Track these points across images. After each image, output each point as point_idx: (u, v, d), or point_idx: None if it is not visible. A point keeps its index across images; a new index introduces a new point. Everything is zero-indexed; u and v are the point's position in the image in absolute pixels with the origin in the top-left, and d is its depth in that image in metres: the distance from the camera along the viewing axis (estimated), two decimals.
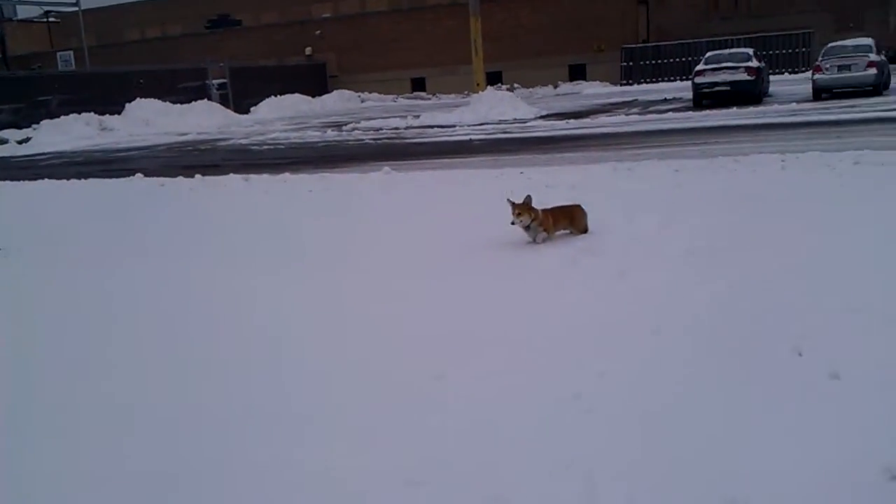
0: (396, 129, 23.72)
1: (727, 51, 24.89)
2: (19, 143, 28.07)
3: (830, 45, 22.63)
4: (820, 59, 21.83)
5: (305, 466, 3.25)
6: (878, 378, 3.64)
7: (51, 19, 62.63)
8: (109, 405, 4.01)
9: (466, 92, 37.43)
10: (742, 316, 4.62)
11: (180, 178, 13.04)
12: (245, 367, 4.41)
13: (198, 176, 13.05)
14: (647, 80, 38.71)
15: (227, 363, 4.48)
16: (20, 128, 30.35)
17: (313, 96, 42.12)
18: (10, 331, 5.38)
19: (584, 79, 41.80)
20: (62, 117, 30.69)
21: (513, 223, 6.49)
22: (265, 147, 21.18)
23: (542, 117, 23.31)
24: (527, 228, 6.58)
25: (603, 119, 20.63)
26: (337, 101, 42.68)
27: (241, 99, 38.97)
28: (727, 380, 3.80)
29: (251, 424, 3.68)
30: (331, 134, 23.42)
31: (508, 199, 6.59)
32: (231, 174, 12.89)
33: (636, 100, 27.84)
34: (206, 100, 36.87)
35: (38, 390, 4.28)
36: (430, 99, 42.57)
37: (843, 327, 4.29)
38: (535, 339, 4.50)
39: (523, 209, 6.50)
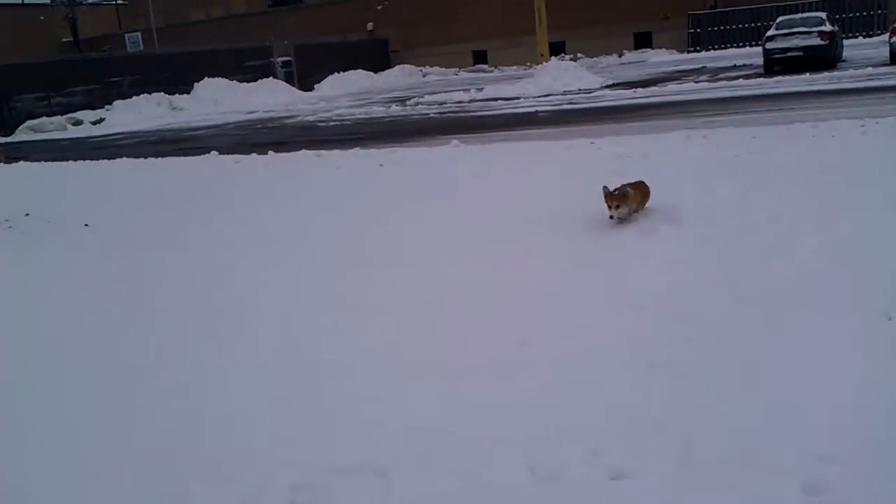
0: (460, 102, 23.70)
1: (799, 15, 24.21)
2: (93, 123, 28.92)
3: None
4: None
5: (396, 425, 3.39)
6: None
7: (119, 1, 64.00)
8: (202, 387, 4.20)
9: (529, 63, 37.12)
10: (827, 282, 4.59)
11: (254, 156, 13.29)
12: (333, 329, 4.57)
13: (270, 153, 13.28)
14: (715, 46, 37.82)
15: (319, 321, 4.64)
16: (94, 109, 31.21)
17: (375, 72, 42.29)
18: (97, 304, 5.60)
19: (650, 47, 41.02)
20: (133, 98, 31.51)
21: (611, 217, 6.13)
22: (332, 123, 21.41)
23: (608, 87, 23.03)
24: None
25: (672, 87, 20.29)
26: (399, 77, 42.78)
27: (305, 76, 39.35)
28: (817, 343, 3.81)
29: (342, 383, 3.83)
30: (395, 109, 23.53)
31: (604, 188, 6.23)
32: (303, 150, 13.08)
33: (704, 67, 27.26)
34: (271, 78, 37.37)
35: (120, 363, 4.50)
36: (492, 71, 42.32)
37: None
38: (621, 305, 4.55)
39: (621, 200, 6.14)
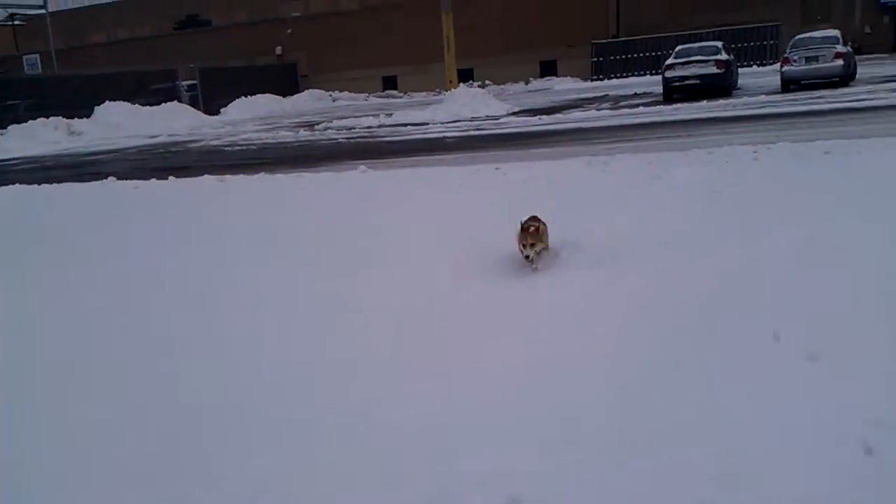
0: (369, 127, 23.71)
1: (696, 44, 25.12)
2: None
3: (798, 37, 22.93)
4: (788, 51, 22.14)
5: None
6: (855, 358, 3.74)
7: (16, 22, 61.78)
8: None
9: (438, 90, 37.46)
10: (721, 303, 4.70)
11: (154, 181, 12.93)
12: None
13: (171, 178, 12.95)
14: (618, 74, 39.00)
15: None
16: None
17: (284, 96, 42.02)
18: None
19: (555, 74, 42.04)
20: (30, 122, 30.34)
21: (527, 257, 5.66)
22: (237, 148, 21.09)
23: (514, 114, 23.39)
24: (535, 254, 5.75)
25: (575, 114, 20.76)
26: (308, 101, 42.57)
27: (211, 100, 38.73)
28: (710, 365, 3.88)
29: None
30: (303, 134, 23.36)
31: (521, 223, 5.76)
32: (205, 175, 12.81)
33: (607, 95, 28.03)
34: (175, 101, 36.62)
35: None
36: (401, 97, 42.57)
37: (818, 312, 4.38)
38: (520, 331, 4.56)
39: (536, 238, 5.66)
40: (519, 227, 5.72)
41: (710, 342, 4.14)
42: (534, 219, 5.82)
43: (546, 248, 5.87)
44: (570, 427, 3.35)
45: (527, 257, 5.65)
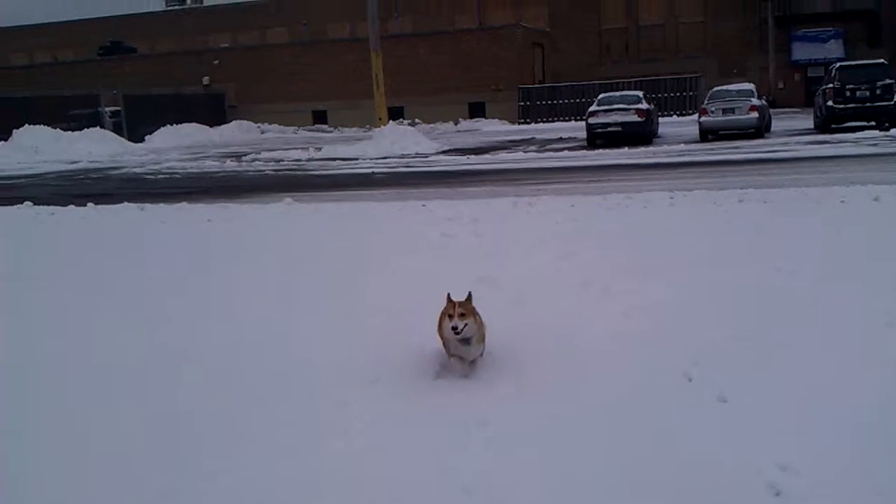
0: (298, 160, 23.63)
1: (619, 93, 25.86)
2: None
3: (715, 89, 23.82)
4: (706, 102, 22.98)
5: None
6: (763, 400, 3.88)
7: None
8: None
9: (368, 126, 37.64)
10: (636, 344, 4.81)
11: (71, 207, 12.61)
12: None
13: (90, 205, 12.66)
14: (544, 119, 39.82)
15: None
16: None
17: (211, 126, 41.54)
18: None
19: (484, 116, 42.65)
20: None
21: (455, 329, 4.24)
22: (160, 176, 20.74)
23: (443, 152, 23.66)
24: (465, 341, 4.37)
25: (502, 155, 21.10)
26: (235, 132, 42.17)
27: (135, 127, 38.02)
28: (623, 404, 3.96)
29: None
30: (230, 164, 23.13)
31: (448, 298, 4.44)
32: (125, 203, 12.58)
33: (533, 138, 28.57)
34: (98, 127, 35.82)
35: None
36: (331, 132, 42.52)
37: (729, 354, 4.53)
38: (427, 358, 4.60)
39: (467, 311, 4.35)
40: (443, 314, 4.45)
41: (625, 380, 4.24)
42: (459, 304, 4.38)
43: (481, 341, 4.49)
44: None
45: (454, 329, 4.26)
